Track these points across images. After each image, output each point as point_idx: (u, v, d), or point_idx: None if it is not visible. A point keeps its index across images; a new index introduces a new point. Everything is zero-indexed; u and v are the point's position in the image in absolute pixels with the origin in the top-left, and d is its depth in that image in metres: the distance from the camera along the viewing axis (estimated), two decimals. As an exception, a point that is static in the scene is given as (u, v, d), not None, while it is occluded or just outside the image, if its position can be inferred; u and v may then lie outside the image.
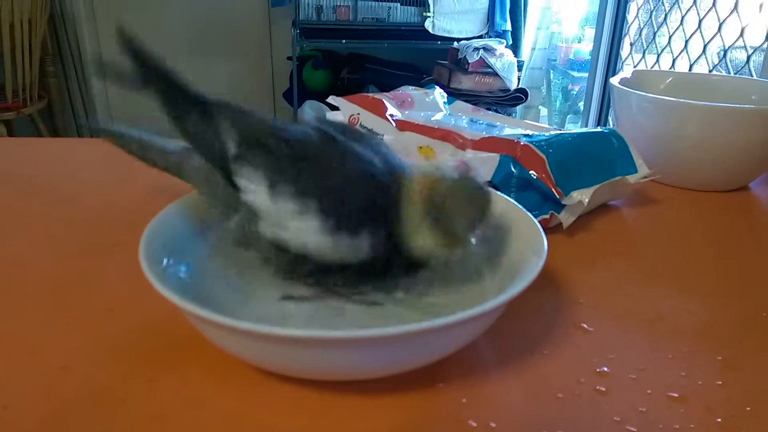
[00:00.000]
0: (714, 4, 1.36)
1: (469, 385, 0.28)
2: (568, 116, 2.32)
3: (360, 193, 0.30)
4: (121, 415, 0.26)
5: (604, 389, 0.29)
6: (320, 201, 0.29)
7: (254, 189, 0.30)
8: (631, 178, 0.46)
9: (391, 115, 0.55)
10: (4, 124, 2.04)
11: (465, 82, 2.04)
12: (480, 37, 2.15)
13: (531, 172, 0.43)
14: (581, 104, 2.10)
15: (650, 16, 1.63)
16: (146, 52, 0.31)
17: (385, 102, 0.57)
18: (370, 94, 0.58)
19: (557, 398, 0.28)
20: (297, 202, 0.29)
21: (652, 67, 1.61)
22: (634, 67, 1.68)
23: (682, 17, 1.48)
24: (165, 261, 0.30)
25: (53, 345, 0.30)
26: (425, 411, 0.27)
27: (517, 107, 2.20)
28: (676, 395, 0.28)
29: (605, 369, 0.30)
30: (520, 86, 2.13)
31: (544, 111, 2.44)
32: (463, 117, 0.57)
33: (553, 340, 0.32)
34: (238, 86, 2.60)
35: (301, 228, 0.30)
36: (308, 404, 0.27)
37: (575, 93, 2.31)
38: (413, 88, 0.63)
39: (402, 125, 0.53)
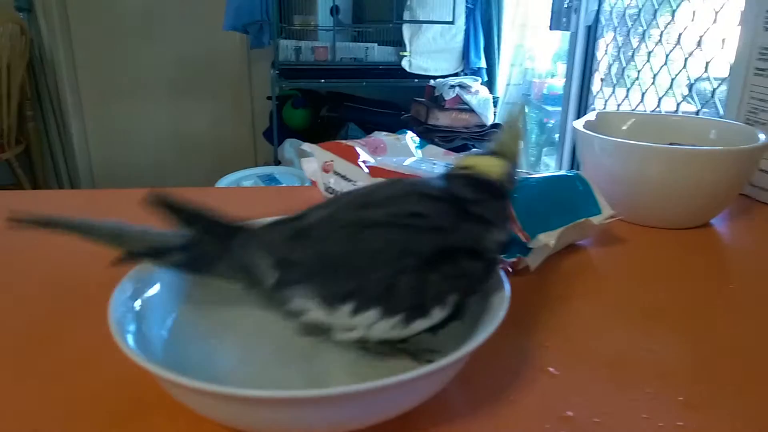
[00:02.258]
0: (678, 41, 1.41)
1: (438, 436, 0.29)
2: (545, 149, 2.37)
3: (407, 268, 0.29)
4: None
5: (568, 435, 0.29)
6: (372, 297, 0.29)
7: (308, 308, 0.30)
8: (595, 220, 0.48)
9: (364, 161, 0.57)
10: (-19, 169, 2.04)
11: (442, 119, 2.07)
12: (456, 74, 2.20)
13: (498, 216, 0.45)
14: (557, 136, 2.15)
15: (618, 53, 1.68)
16: (178, 202, 0.31)
17: (357, 149, 0.58)
18: (343, 141, 0.60)
19: (522, 446, 0.29)
20: (351, 303, 0.29)
21: (622, 101, 1.65)
22: (605, 100, 1.73)
23: (649, 53, 1.53)
24: (135, 323, 0.30)
25: (22, 408, 0.30)
26: (393, 464, 0.27)
27: (495, 141, 2.23)
28: (638, 438, 0.29)
29: (569, 413, 0.31)
30: (496, 121, 2.18)
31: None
32: (435, 161, 0.59)
33: (519, 386, 0.33)
34: (220, 126, 2.63)
35: (368, 323, 0.29)
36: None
37: (551, 126, 2.35)
38: (386, 134, 0.65)
39: (374, 171, 0.55)
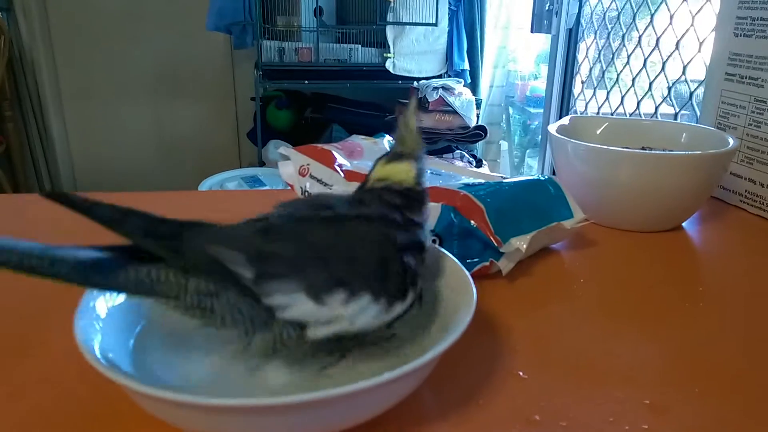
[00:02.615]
0: (657, 44, 1.43)
1: (404, 441, 0.29)
2: (528, 150, 2.38)
3: (388, 255, 0.31)
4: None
5: (533, 438, 0.30)
6: (364, 283, 0.29)
7: (293, 301, 0.28)
8: (567, 223, 0.49)
9: (340, 165, 0.57)
10: (-41, 170, 2.01)
11: (426, 121, 2.08)
12: (439, 76, 2.21)
13: (471, 221, 0.45)
14: (540, 137, 2.16)
15: (599, 55, 1.70)
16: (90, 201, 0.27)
17: (333, 153, 0.58)
18: (320, 145, 0.60)
19: (488, 450, 0.29)
20: (344, 291, 0.29)
21: (602, 103, 1.67)
22: (586, 102, 1.74)
23: (629, 56, 1.55)
24: (101, 334, 0.30)
25: (-12, 417, 0.30)
26: (360, 469, 0.28)
27: (479, 143, 2.25)
28: (602, 441, 0.30)
29: (536, 417, 0.31)
30: (479, 123, 2.19)
31: (504, 145, 2.49)
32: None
33: (489, 390, 0.33)
34: (203, 127, 2.61)
35: (358, 311, 0.29)
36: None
37: (534, 127, 2.37)
38: (363, 137, 0.65)
39: (350, 175, 0.55)
